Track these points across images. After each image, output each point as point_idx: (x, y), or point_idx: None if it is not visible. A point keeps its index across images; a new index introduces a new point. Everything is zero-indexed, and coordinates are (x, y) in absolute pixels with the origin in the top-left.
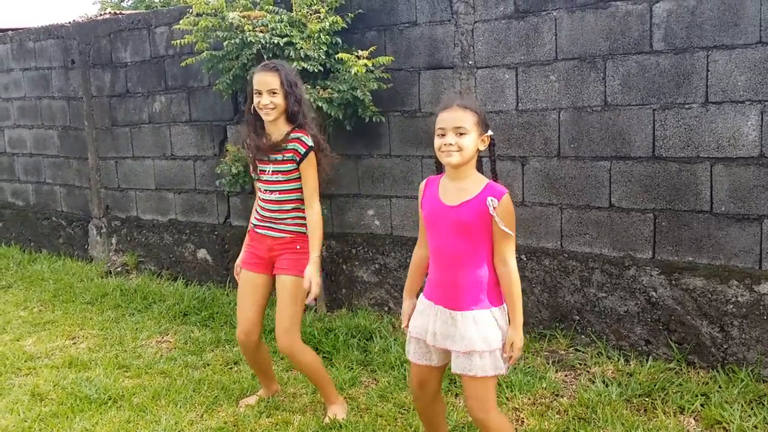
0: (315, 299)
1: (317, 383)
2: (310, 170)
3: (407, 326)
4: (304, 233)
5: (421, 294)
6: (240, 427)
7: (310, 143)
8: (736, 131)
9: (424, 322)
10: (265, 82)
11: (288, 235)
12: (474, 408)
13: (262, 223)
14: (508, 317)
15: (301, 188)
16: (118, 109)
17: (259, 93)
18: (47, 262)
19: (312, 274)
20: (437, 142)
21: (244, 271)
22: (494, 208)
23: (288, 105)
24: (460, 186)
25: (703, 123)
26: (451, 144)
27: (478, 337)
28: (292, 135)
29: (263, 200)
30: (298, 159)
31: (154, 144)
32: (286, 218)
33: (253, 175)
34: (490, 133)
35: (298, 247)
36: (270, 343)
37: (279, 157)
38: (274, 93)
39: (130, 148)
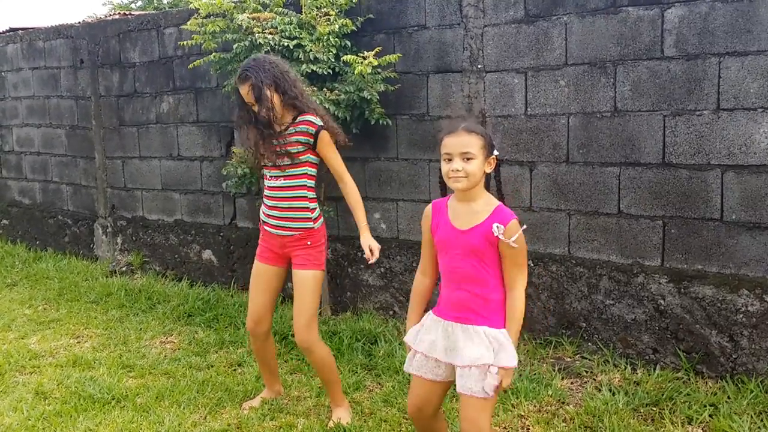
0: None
1: (327, 382)
2: (330, 150)
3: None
4: (312, 228)
5: (429, 311)
6: (243, 430)
7: (319, 123)
8: (747, 138)
9: (434, 337)
10: (244, 93)
11: (296, 233)
12: (467, 424)
13: (270, 221)
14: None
15: (306, 174)
16: (126, 109)
17: (251, 104)
18: (53, 260)
19: (371, 241)
20: (444, 167)
21: (258, 263)
22: (500, 233)
23: (259, 111)
24: (470, 209)
25: (714, 130)
26: (458, 170)
27: (483, 353)
28: (300, 118)
29: (268, 188)
30: (311, 141)
31: (161, 144)
32: (292, 209)
33: (263, 170)
34: (496, 153)
35: (308, 243)
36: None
37: (286, 140)
38: (253, 101)
39: (137, 148)
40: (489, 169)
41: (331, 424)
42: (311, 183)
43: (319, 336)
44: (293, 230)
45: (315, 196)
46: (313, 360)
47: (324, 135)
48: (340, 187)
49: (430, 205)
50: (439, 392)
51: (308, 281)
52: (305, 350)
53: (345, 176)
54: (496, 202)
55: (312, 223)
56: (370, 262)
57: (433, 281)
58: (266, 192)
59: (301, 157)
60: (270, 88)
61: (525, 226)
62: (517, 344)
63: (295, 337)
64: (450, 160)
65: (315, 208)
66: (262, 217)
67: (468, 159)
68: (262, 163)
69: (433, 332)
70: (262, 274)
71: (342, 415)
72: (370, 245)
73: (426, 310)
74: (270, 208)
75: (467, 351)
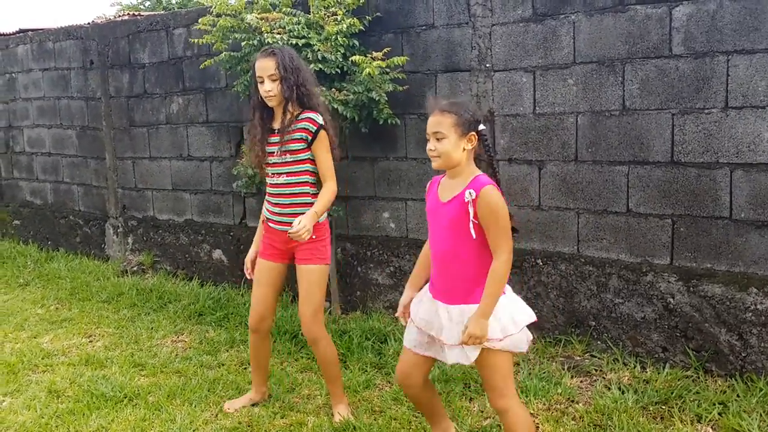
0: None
1: (330, 377)
2: (322, 149)
3: (401, 314)
4: (317, 221)
5: (427, 286)
6: (254, 428)
7: (321, 121)
8: (756, 137)
9: (429, 316)
10: (265, 68)
11: None
12: (493, 397)
13: (274, 217)
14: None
15: (308, 171)
16: (136, 110)
17: (261, 80)
18: (64, 260)
19: (304, 219)
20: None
21: (261, 261)
22: (472, 200)
23: (281, 91)
24: (455, 183)
25: (722, 128)
26: (432, 149)
27: (457, 333)
28: (303, 115)
29: (271, 185)
30: (309, 138)
31: (171, 144)
32: (295, 206)
33: (256, 169)
34: (482, 128)
35: (314, 236)
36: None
37: (287, 137)
38: (274, 79)
39: (147, 148)
40: (470, 146)
41: (338, 418)
42: (313, 179)
43: (325, 330)
44: None
45: (317, 192)
46: (318, 352)
47: (322, 135)
48: (322, 188)
49: (431, 179)
50: (423, 366)
51: (314, 275)
52: (311, 342)
53: (330, 180)
54: (476, 173)
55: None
56: (289, 231)
57: None
58: (269, 189)
59: (302, 155)
60: (293, 72)
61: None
62: (489, 311)
63: (301, 328)
64: (428, 140)
65: None
66: (265, 214)
67: (439, 138)
68: (263, 162)
69: (423, 310)
70: (265, 271)
71: (342, 411)
72: (301, 221)
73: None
74: (273, 205)
75: (445, 331)
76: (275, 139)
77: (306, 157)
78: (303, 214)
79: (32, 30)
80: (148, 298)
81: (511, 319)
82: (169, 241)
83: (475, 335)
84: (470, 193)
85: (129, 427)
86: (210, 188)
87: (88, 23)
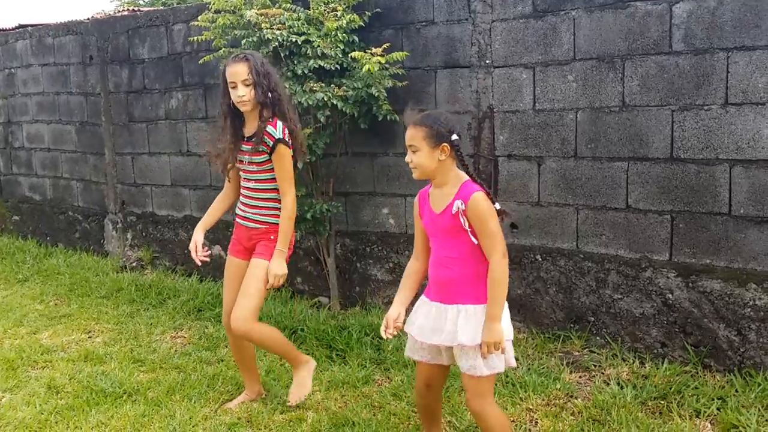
0: (275, 288)
1: (281, 352)
2: (280, 162)
3: (385, 330)
4: (277, 224)
5: (422, 295)
6: (253, 423)
7: (278, 135)
8: (756, 133)
9: (423, 320)
10: (237, 74)
11: (262, 226)
12: (468, 402)
13: (242, 213)
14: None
15: (274, 179)
16: (135, 105)
17: (234, 86)
18: (63, 256)
19: (273, 267)
20: None
21: (229, 257)
22: (462, 211)
23: (255, 96)
24: (442, 192)
25: (722, 124)
26: (409, 161)
27: (464, 331)
28: (267, 127)
29: (243, 188)
30: (268, 151)
31: (170, 140)
32: (262, 207)
33: (221, 174)
34: (454, 137)
35: (271, 237)
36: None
37: (251, 148)
38: (247, 84)
39: (147, 144)
40: (443, 156)
41: (291, 402)
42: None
43: (256, 322)
44: (260, 223)
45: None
46: (257, 342)
47: (280, 148)
48: (281, 200)
49: (418, 194)
50: (442, 373)
51: (260, 270)
52: (243, 336)
53: (288, 192)
54: (464, 179)
55: (278, 219)
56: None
57: (423, 264)
58: (242, 191)
59: (266, 165)
60: (265, 77)
61: (500, 208)
62: (497, 314)
63: (231, 321)
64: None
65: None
66: (236, 211)
67: (414, 151)
68: (230, 168)
69: (422, 315)
70: (233, 268)
71: (304, 373)
72: (271, 270)
73: (418, 296)
74: (243, 204)
75: (446, 330)
76: (247, 147)
77: (269, 168)
78: (265, 215)
79: (32, 25)
80: (148, 293)
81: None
82: (169, 237)
83: (491, 342)
84: (459, 204)
85: (128, 423)
86: (209, 184)
87: (88, 19)
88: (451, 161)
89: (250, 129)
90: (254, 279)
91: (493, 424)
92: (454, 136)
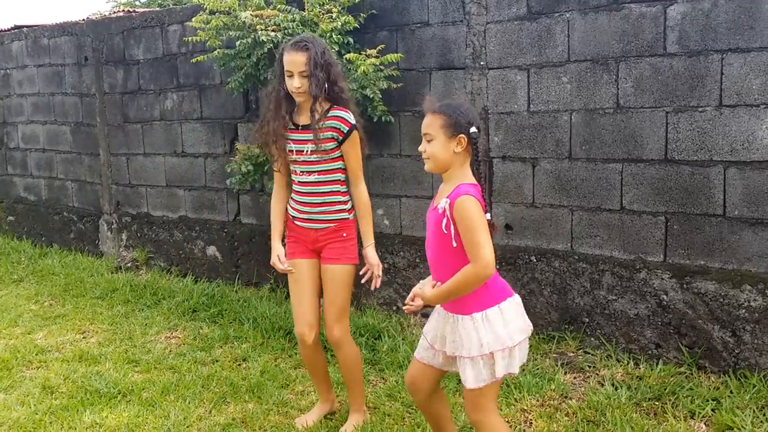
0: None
1: (352, 382)
2: (355, 149)
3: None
4: (347, 219)
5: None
6: (248, 424)
7: (353, 121)
8: (750, 135)
9: (435, 324)
10: (295, 63)
11: (332, 225)
12: (469, 415)
13: (302, 215)
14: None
15: (340, 169)
16: (130, 106)
17: (291, 75)
18: (58, 256)
19: (375, 258)
20: None
21: (294, 261)
22: (445, 210)
23: (310, 88)
24: (445, 189)
25: (716, 126)
26: (423, 151)
27: (461, 341)
28: (332, 112)
29: (300, 183)
30: (340, 138)
31: (165, 141)
32: (326, 204)
33: (275, 162)
34: (473, 130)
35: (344, 234)
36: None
37: (318, 135)
38: (305, 75)
39: (142, 144)
40: (458, 149)
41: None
42: (343, 177)
43: (349, 333)
44: (328, 222)
45: (347, 190)
46: (342, 356)
47: (354, 135)
48: (352, 191)
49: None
50: (430, 375)
51: (344, 276)
52: (335, 346)
53: (360, 181)
54: (462, 180)
55: (347, 214)
56: (372, 287)
57: None
58: (296, 187)
59: (333, 153)
60: (324, 69)
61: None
62: (441, 297)
63: (325, 331)
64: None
65: (348, 200)
66: (291, 212)
67: (429, 140)
68: (281, 157)
69: (433, 318)
70: (303, 270)
71: (357, 421)
72: (375, 263)
73: None
74: (302, 204)
75: (452, 343)
76: (298, 136)
77: (337, 156)
78: (333, 211)
79: (27, 26)
80: (142, 294)
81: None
82: (163, 238)
83: (422, 298)
84: (445, 202)
85: (123, 424)
86: (204, 185)
87: (83, 19)
88: (466, 156)
89: (305, 118)
90: (337, 285)
91: None
92: (473, 129)
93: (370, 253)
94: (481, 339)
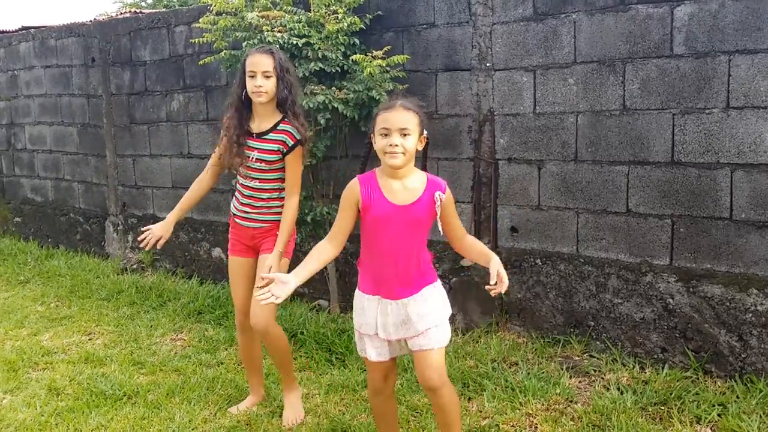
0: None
1: (283, 365)
2: (295, 163)
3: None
4: (280, 221)
5: (358, 291)
6: (253, 426)
7: (299, 136)
8: (757, 137)
9: (371, 318)
10: (260, 64)
11: (267, 225)
12: (433, 378)
13: (241, 214)
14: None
15: (281, 179)
16: (137, 107)
17: (253, 75)
18: (64, 258)
19: (272, 264)
20: (381, 142)
21: (233, 258)
22: (441, 201)
23: (278, 90)
24: (405, 185)
25: (723, 128)
26: (396, 145)
27: (432, 312)
28: (282, 126)
29: (243, 186)
30: (284, 150)
31: (171, 142)
32: (264, 207)
33: (233, 170)
34: (426, 133)
35: (277, 233)
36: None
37: (265, 145)
38: (267, 76)
39: (148, 146)
40: (420, 147)
41: (287, 425)
42: (283, 185)
43: (275, 320)
44: (264, 222)
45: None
46: (270, 343)
47: (298, 150)
48: (284, 200)
49: (356, 179)
50: (392, 367)
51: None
52: (261, 333)
53: (293, 194)
54: (425, 174)
55: (281, 216)
56: (260, 293)
57: (336, 251)
58: (240, 188)
59: (276, 165)
60: (287, 74)
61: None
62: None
63: (250, 319)
64: (387, 135)
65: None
66: (232, 210)
67: (405, 135)
68: (233, 165)
69: (370, 312)
70: (238, 267)
71: (294, 399)
72: (269, 267)
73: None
74: (243, 204)
75: (424, 318)
76: (252, 143)
77: (279, 167)
78: (270, 213)
79: (35, 27)
80: (148, 296)
81: (446, 305)
82: (169, 239)
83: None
84: (439, 195)
85: (128, 426)
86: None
87: (90, 21)
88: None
89: (259, 125)
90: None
91: (452, 399)
92: (426, 132)
93: (269, 259)
94: (445, 301)
